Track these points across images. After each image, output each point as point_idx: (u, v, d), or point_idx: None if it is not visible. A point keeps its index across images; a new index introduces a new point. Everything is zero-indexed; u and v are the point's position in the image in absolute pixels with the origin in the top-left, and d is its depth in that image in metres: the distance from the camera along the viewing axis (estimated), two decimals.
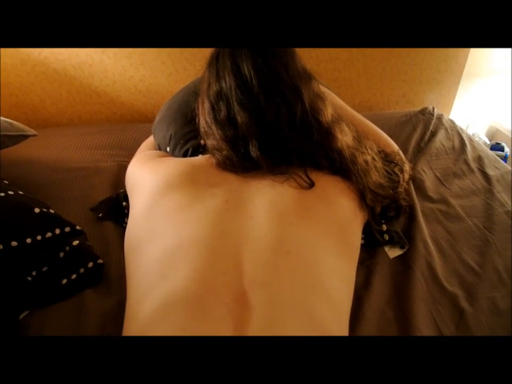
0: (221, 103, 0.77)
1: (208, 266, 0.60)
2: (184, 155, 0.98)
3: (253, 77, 0.73)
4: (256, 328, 0.54)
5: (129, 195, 0.88)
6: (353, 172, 0.78)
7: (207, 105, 0.80)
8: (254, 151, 0.74)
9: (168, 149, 1.03)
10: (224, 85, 0.76)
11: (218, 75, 0.77)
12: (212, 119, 0.78)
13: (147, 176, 0.81)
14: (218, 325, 0.54)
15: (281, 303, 0.57)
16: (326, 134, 0.78)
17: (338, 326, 0.62)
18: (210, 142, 0.80)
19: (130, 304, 0.65)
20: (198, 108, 0.86)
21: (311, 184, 0.72)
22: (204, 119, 0.81)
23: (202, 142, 0.91)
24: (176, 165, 0.80)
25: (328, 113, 0.79)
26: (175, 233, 0.66)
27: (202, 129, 0.84)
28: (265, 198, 0.71)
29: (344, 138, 0.80)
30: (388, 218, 0.94)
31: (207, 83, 0.80)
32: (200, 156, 0.86)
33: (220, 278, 0.59)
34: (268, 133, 0.75)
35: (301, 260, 0.63)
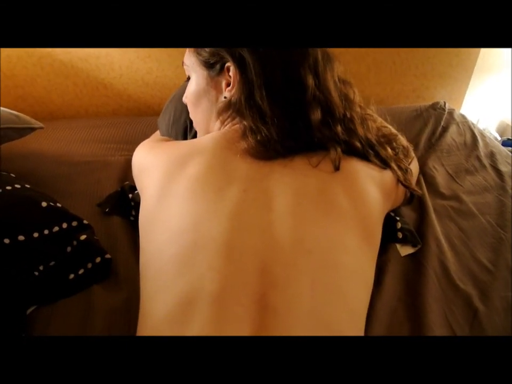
0: (275, 63, 0.70)
1: (225, 265, 0.57)
2: (194, 137, 0.95)
3: None
4: (274, 332, 0.52)
5: (137, 183, 0.85)
6: (391, 159, 0.77)
7: (254, 70, 0.70)
8: (315, 117, 0.71)
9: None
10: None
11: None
12: (262, 86, 0.70)
13: (156, 159, 0.77)
14: (236, 327, 0.52)
15: (301, 306, 0.55)
16: (355, 97, 0.78)
17: (353, 329, 0.60)
18: (243, 123, 0.73)
19: (144, 299, 0.63)
20: (231, 84, 0.75)
21: (337, 168, 0.69)
22: (241, 94, 0.72)
23: (221, 127, 0.80)
24: (186, 147, 0.75)
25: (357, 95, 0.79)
26: (192, 228, 0.62)
27: (233, 108, 0.74)
28: (288, 188, 0.66)
29: (377, 121, 0.78)
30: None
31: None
32: (213, 133, 0.78)
33: (238, 277, 0.56)
34: (323, 93, 0.73)
35: (323, 260, 0.60)
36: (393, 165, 0.77)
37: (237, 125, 0.75)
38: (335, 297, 0.59)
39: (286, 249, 0.59)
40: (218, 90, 0.78)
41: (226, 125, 0.78)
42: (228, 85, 0.75)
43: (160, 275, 0.61)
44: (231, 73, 0.73)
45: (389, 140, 0.83)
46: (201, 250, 0.59)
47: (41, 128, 1.07)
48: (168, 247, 0.62)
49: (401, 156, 0.84)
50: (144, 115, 1.52)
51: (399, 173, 0.78)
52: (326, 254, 0.61)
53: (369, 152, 0.75)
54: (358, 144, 0.73)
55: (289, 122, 0.71)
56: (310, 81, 0.71)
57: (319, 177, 0.68)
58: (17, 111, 1.05)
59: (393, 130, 0.96)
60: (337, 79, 0.76)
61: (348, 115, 0.75)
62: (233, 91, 0.74)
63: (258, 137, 0.69)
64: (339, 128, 0.72)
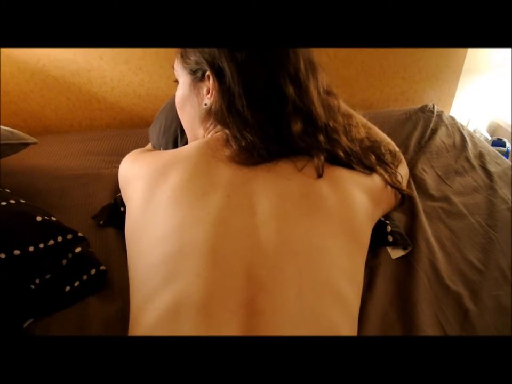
0: (253, 70, 0.71)
1: (211, 271, 0.58)
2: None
3: None
4: (262, 334, 0.53)
5: (123, 195, 0.86)
6: (377, 164, 0.77)
7: (232, 78, 0.71)
8: (295, 126, 0.71)
9: (161, 149, 1.04)
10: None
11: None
12: (241, 93, 0.71)
13: (139, 171, 0.78)
14: (225, 333, 0.53)
15: (289, 309, 0.56)
16: (339, 107, 0.78)
17: (350, 329, 0.61)
18: (225, 131, 0.74)
19: (133, 309, 0.64)
20: (210, 93, 0.76)
21: (321, 174, 0.70)
22: (222, 102, 0.73)
23: (205, 134, 0.83)
24: (169, 156, 0.76)
25: (342, 106, 0.80)
26: (176, 236, 0.63)
27: (215, 116, 0.75)
28: (271, 192, 0.67)
29: (355, 118, 0.79)
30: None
31: (227, 51, 0.71)
32: (195, 142, 0.79)
33: (225, 283, 0.57)
34: (304, 100, 0.73)
35: (309, 262, 0.61)
36: (379, 169, 0.79)
37: (220, 133, 0.76)
38: (326, 294, 0.60)
39: (271, 253, 0.60)
40: (200, 97, 0.79)
41: (209, 132, 0.80)
42: (208, 92, 0.76)
43: (147, 284, 0.61)
44: (210, 82, 0.75)
45: (374, 147, 0.84)
46: (187, 257, 0.60)
47: (35, 143, 1.08)
48: (154, 255, 0.63)
49: (389, 160, 0.86)
50: (137, 127, 1.53)
51: (386, 176, 0.79)
52: (314, 256, 0.62)
53: (352, 160, 0.76)
54: (341, 153, 0.74)
55: (272, 129, 0.72)
56: (291, 91, 0.71)
57: (302, 181, 0.69)
58: (12, 127, 1.06)
59: (382, 135, 0.98)
60: (321, 89, 0.77)
61: (331, 125, 0.76)
62: (212, 99, 0.75)
63: (243, 144, 0.70)
64: (321, 137, 0.74)
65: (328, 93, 0.80)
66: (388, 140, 0.99)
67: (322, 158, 0.71)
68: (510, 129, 1.82)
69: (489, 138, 1.77)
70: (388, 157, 0.85)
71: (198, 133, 0.83)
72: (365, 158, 0.78)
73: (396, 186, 0.82)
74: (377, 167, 0.79)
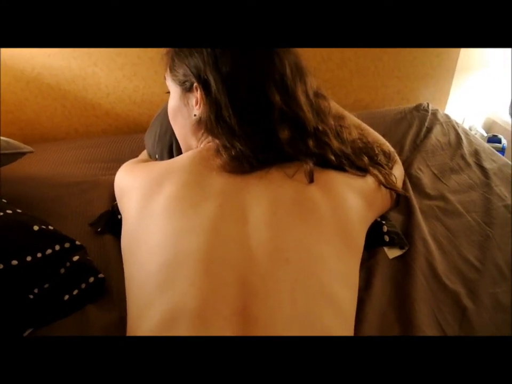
0: (238, 79, 0.71)
1: (205, 280, 0.58)
2: (180, 153, 0.96)
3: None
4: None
5: (119, 205, 0.87)
6: (370, 165, 0.77)
7: (217, 88, 0.71)
8: (283, 134, 0.71)
9: (156, 156, 1.04)
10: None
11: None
12: (229, 108, 0.71)
13: (134, 182, 0.79)
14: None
15: (283, 315, 0.56)
16: (330, 109, 0.78)
17: (344, 329, 0.61)
18: (215, 141, 0.75)
19: (130, 318, 0.65)
20: (198, 103, 0.76)
21: (311, 180, 0.70)
22: (210, 112, 0.73)
23: (197, 144, 0.84)
24: (163, 167, 0.77)
25: (332, 109, 0.80)
26: (170, 245, 0.64)
27: (204, 127, 0.76)
28: (263, 200, 0.68)
29: (347, 119, 0.79)
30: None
31: (212, 63, 0.71)
32: (189, 153, 0.80)
33: (219, 291, 0.57)
34: (290, 106, 0.73)
35: (303, 267, 0.61)
36: (372, 170, 0.79)
37: (211, 143, 0.77)
38: (319, 299, 0.60)
39: (263, 260, 0.61)
40: (189, 108, 0.80)
41: (202, 142, 0.80)
42: (197, 103, 0.76)
43: (143, 293, 0.62)
44: (198, 93, 0.75)
45: (367, 148, 0.84)
46: (181, 266, 0.61)
47: (31, 152, 1.09)
48: (149, 265, 0.64)
49: (383, 161, 0.86)
50: (133, 133, 1.54)
51: (380, 177, 0.80)
52: (306, 261, 0.62)
53: (344, 162, 0.76)
54: (332, 157, 0.75)
55: (260, 138, 0.72)
56: (277, 98, 0.72)
57: (294, 187, 0.70)
58: (7, 136, 1.06)
59: (376, 136, 0.98)
60: (310, 93, 0.77)
61: (320, 128, 0.76)
62: (200, 110, 0.76)
63: (232, 153, 0.71)
64: (311, 142, 0.74)
65: (318, 95, 0.80)
66: (383, 140, 1.00)
67: (311, 163, 0.72)
68: (505, 126, 1.82)
69: (485, 135, 1.77)
70: (381, 158, 0.85)
71: (191, 143, 0.84)
72: (357, 160, 0.78)
73: (389, 187, 0.83)
74: (370, 168, 0.79)
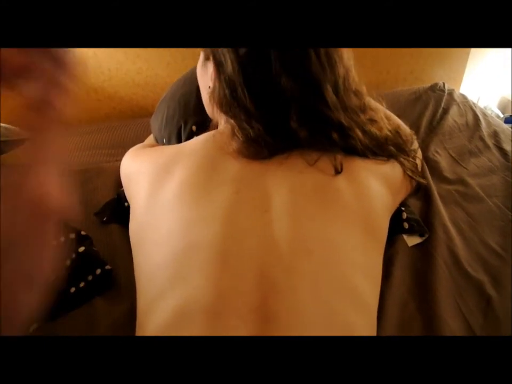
0: (255, 64, 0.65)
1: (220, 273, 0.54)
2: (189, 138, 0.91)
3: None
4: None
5: (126, 194, 0.83)
6: (396, 154, 0.73)
7: (232, 68, 0.66)
8: (294, 122, 0.65)
9: (164, 140, 1.00)
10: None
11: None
12: (242, 84, 0.65)
13: (142, 167, 0.75)
14: None
15: (304, 311, 0.53)
16: (364, 107, 0.72)
17: (368, 329, 0.58)
18: (231, 120, 0.70)
19: (140, 311, 0.62)
20: (212, 77, 0.72)
21: (339, 171, 0.65)
22: (224, 89, 0.68)
23: (213, 124, 0.80)
24: (172, 151, 0.73)
25: (364, 88, 0.74)
26: (181, 235, 0.59)
27: (219, 105, 0.71)
28: (283, 187, 0.63)
29: (379, 112, 0.74)
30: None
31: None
32: (201, 136, 0.76)
33: (235, 286, 0.53)
34: (311, 99, 0.66)
35: (325, 260, 0.57)
36: (399, 157, 0.75)
37: (226, 125, 0.73)
38: (342, 295, 0.56)
39: (285, 251, 0.56)
40: (207, 77, 0.76)
41: (217, 123, 0.76)
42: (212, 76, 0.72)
43: (153, 286, 0.59)
44: (212, 67, 0.71)
45: (396, 138, 0.78)
46: (193, 258, 0.56)
47: None
48: (159, 256, 0.60)
49: (410, 150, 0.81)
50: (138, 117, 1.49)
51: (407, 164, 0.76)
52: (329, 253, 0.58)
53: (369, 151, 0.71)
54: (357, 145, 0.70)
55: (278, 124, 0.67)
56: (293, 89, 0.65)
57: (316, 174, 0.65)
58: (7, 123, 1.03)
59: (398, 122, 0.92)
60: (340, 86, 0.70)
61: (346, 124, 0.69)
62: (214, 84, 0.71)
63: (251, 134, 0.66)
64: (335, 135, 0.68)
65: (352, 90, 0.72)
66: (404, 125, 0.95)
67: (337, 154, 0.67)
68: None
69: (501, 115, 1.71)
70: (408, 147, 0.81)
71: (210, 113, 0.80)
72: (383, 149, 0.73)
73: (415, 178, 0.79)
74: (397, 157, 0.75)
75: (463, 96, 1.35)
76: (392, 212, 0.79)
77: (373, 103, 0.84)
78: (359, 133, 0.70)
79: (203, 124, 0.86)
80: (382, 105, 0.90)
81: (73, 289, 0.76)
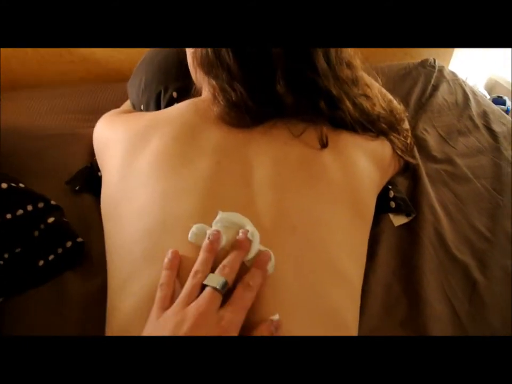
0: None
1: (198, 249, 0.50)
2: (168, 105, 0.85)
3: None
4: (259, 318, 0.47)
5: (98, 162, 0.78)
6: (387, 131, 0.71)
7: None
8: (280, 87, 0.62)
9: (142, 107, 0.94)
10: None
11: None
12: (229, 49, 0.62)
13: (115, 134, 0.70)
14: None
15: (287, 289, 0.50)
16: (356, 80, 0.69)
17: (352, 310, 0.56)
18: (212, 82, 0.66)
19: (111, 290, 0.58)
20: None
21: (325, 145, 0.62)
22: (206, 48, 0.64)
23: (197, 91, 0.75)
24: (150, 117, 0.68)
25: (356, 59, 0.71)
26: (158, 208, 0.56)
27: (201, 64, 0.67)
28: (267, 158, 0.60)
29: (373, 89, 0.70)
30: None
31: None
32: (181, 103, 0.72)
33: (214, 263, 0.50)
34: (300, 64, 0.63)
35: (309, 237, 0.55)
36: (389, 136, 0.72)
37: (207, 93, 0.68)
38: (327, 274, 0.54)
39: (267, 227, 0.53)
40: None
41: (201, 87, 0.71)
42: None
43: (126, 263, 0.55)
44: None
45: (389, 116, 0.76)
46: (170, 233, 0.53)
47: None
48: (133, 230, 0.56)
49: (402, 128, 0.79)
50: (114, 81, 1.40)
51: (398, 143, 0.73)
52: (312, 230, 0.56)
53: (358, 125, 0.68)
54: (345, 118, 0.67)
55: (262, 88, 0.63)
56: (280, 54, 0.62)
57: (302, 146, 0.62)
58: None
59: (389, 97, 0.89)
60: (332, 57, 0.67)
61: (335, 93, 0.66)
62: None
63: (233, 97, 0.62)
64: (322, 104, 0.65)
65: (344, 62, 0.70)
66: (393, 100, 0.91)
67: (323, 127, 0.64)
68: (509, 87, 1.74)
69: (488, 96, 1.69)
70: (400, 124, 0.78)
71: (196, 75, 0.74)
72: (374, 125, 0.70)
73: (406, 158, 0.77)
74: (389, 133, 0.72)
75: (453, 74, 1.32)
76: (379, 189, 0.77)
77: (368, 79, 0.80)
78: (349, 105, 0.68)
79: (185, 90, 0.80)
80: (378, 81, 0.86)
81: (41, 262, 0.71)
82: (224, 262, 0.48)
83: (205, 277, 0.47)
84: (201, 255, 0.48)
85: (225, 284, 0.46)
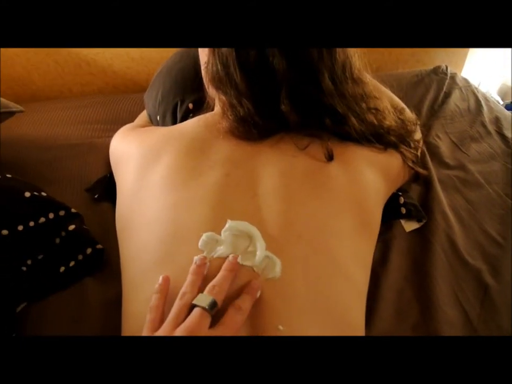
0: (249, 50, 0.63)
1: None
2: (184, 116, 0.89)
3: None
4: (269, 326, 0.49)
5: (114, 174, 0.81)
6: (397, 143, 0.71)
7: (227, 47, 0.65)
8: (285, 106, 0.63)
9: (158, 117, 0.97)
10: None
11: None
12: (235, 62, 0.63)
13: (130, 149, 0.73)
14: None
15: (294, 295, 0.52)
16: (365, 95, 0.70)
17: (361, 313, 0.58)
18: (222, 97, 0.68)
19: (125, 298, 0.60)
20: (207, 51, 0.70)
21: (330, 158, 0.64)
22: (217, 64, 0.66)
23: (210, 103, 0.77)
24: (162, 133, 0.71)
25: (365, 74, 0.71)
26: (170, 219, 0.58)
27: (211, 80, 0.69)
28: (275, 170, 0.62)
29: (384, 101, 0.71)
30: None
31: None
32: (192, 119, 0.74)
33: None
34: (305, 83, 0.64)
35: (316, 244, 0.56)
36: (400, 148, 0.73)
37: (218, 105, 0.70)
38: (335, 279, 0.56)
39: (275, 236, 0.55)
40: (205, 51, 0.72)
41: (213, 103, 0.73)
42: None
43: (139, 272, 0.58)
44: None
45: (399, 128, 0.76)
46: (181, 242, 0.55)
47: (21, 111, 1.01)
48: (145, 239, 0.58)
49: (413, 140, 0.79)
50: (132, 92, 1.44)
51: (408, 155, 0.74)
52: (319, 238, 0.57)
53: (365, 138, 0.69)
54: (351, 132, 0.68)
55: (269, 105, 0.65)
56: (284, 69, 0.63)
57: (308, 159, 0.64)
58: None
59: (402, 105, 0.90)
60: (338, 72, 0.67)
61: (341, 111, 0.67)
62: (207, 57, 0.68)
63: (240, 113, 0.64)
64: (327, 121, 0.66)
65: (352, 78, 0.70)
66: (406, 108, 0.92)
67: (330, 141, 0.65)
68: None
69: (501, 102, 1.68)
70: (411, 136, 0.78)
71: (208, 89, 0.76)
72: (382, 137, 0.71)
73: (416, 169, 0.78)
74: (399, 146, 0.73)
75: (466, 81, 1.32)
76: (386, 199, 0.77)
77: (378, 91, 0.81)
78: (355, 122, 0.69)
79: (201, 102, 0.82)
80: (389, 90, 0.87)
81: (62, 269, 0.74)
82: (213, 282, 0.49)
83: (193, 298, 0.48)
84: (189, 278, 0.50)
85: (214, 304, 0.46)
